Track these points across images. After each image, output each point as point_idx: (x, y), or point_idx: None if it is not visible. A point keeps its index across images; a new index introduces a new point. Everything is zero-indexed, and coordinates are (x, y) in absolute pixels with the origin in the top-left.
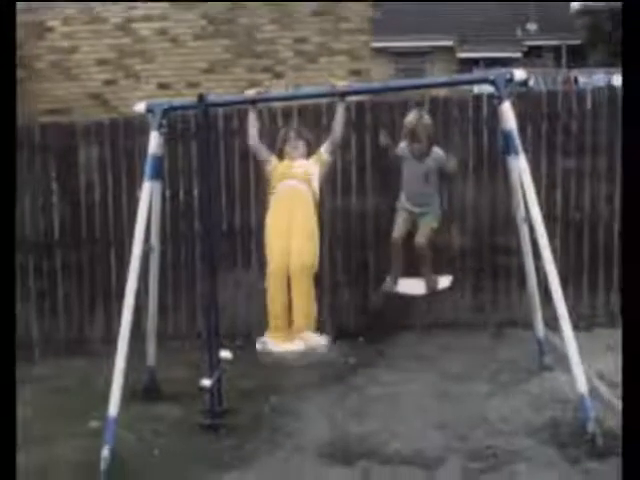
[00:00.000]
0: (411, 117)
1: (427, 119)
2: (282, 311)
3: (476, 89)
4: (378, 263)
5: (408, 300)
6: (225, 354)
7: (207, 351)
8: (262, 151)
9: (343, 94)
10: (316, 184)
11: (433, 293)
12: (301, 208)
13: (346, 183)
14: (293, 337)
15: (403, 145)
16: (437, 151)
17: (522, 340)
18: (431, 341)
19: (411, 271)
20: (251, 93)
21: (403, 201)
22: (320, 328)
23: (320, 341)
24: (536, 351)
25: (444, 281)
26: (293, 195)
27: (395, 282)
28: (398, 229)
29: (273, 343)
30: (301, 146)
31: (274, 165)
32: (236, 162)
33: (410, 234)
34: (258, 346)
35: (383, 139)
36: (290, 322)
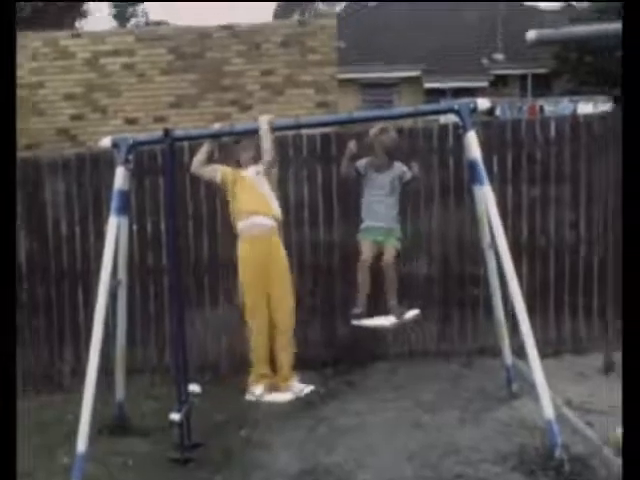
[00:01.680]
0: (374, 130)
1: (391, 133)
2: (266, 360)
3: (442, 119)
4: (346, 293)
5: (376, 331)
6: (194, 388)
7: (176, 385)
8: (206, 170)
9: (306, 127)
10: (275, 203)
11: (400, 324)
12: (273, 249)
13: (313, 214)
14: (279, 385)
15: (363, 161)
16: (398, 165)
17: (491, 368)
18: (400, 371)
19: (378, 296)
20: (216, 127)
21: (366, 222)
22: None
23: (305, 389)
24: (504, 379)
25: (411, 314)
26: (262, 237)
27: (362, 310)
28: (365, 251)
29: (263, 393)
30: (249, 153)
31: (223, 172)
32: (202, 196)
33: (377, 258)
34: (248, 397)
35: (352, 146)
36: (273, 369)
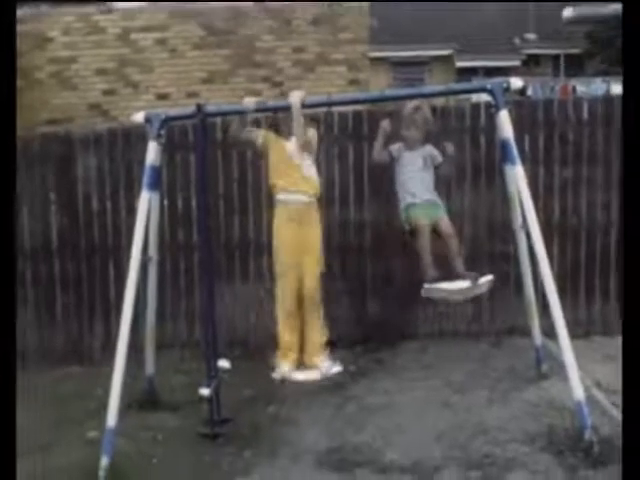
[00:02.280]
0: (409, 107)
1: (426, 111)
2: (293, 332)
3: (474, 98)
4: (375, 272)
5: (407, 309)
6: (223, 363)
7: (206, 360)
8: (245, 132)
9: (338, 104)
10: (317, 182)
11: (476, 290)
12: (309, 226)
13: (344, 193)
14: (306, 362)
15: (396, 145)
16: (430, 147)
17: (520, 348)
18: (430, 350)
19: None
20: (246, 102)
21: (407, 200)
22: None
23: (333, 368)
24: (534, 359)
25: (484, 279)
26: (301, 214)
27: (435, 274)
28: (421, 219)
29: (291, 371)
30: (289, 125)
31: (265, 136)
32: (234, 172)
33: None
34: (275, 375)
35: (386, 126)
36: (302, 345)
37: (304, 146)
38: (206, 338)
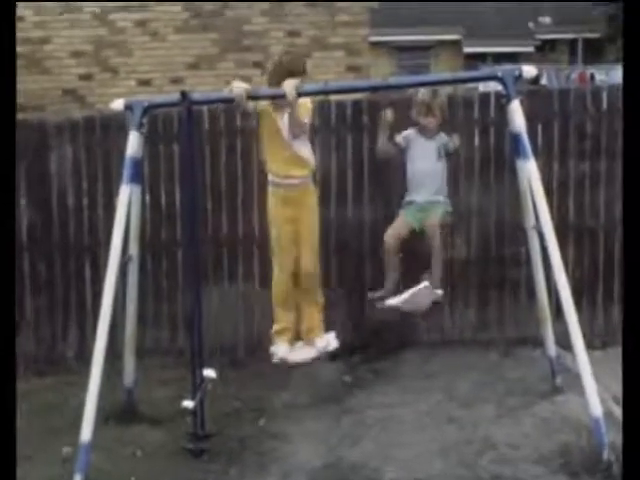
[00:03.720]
0: (425, 91)
1: (442, 96)
2: (288, 307)
3: (481, 87)
4: (375, 275)
5: (409, 314)
6: (209, 372)
7: (190, 369)
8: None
9: (336, 92)
10: (312, 159)
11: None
12: (304, 207)
13: (341, 189)
14: (303, 339)
15: (407, 131)
16: (442, 134)
17: (532, 359)
18: (433, 360)
19: (410, 282)
20: (240, 86)
21: (410, 196)
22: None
23: (330, 344)
24: (547, 371)
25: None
26: (295, 195)
27: (382, 294)
28: (397, 227)
29: (287, 351)
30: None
31: (260, 105)
32: (222, 165)
33: (412, 236)
34: (273, 359)
35: (389, 116)
36: (298, 322)
37: (299, 128)
38: (191, 345)
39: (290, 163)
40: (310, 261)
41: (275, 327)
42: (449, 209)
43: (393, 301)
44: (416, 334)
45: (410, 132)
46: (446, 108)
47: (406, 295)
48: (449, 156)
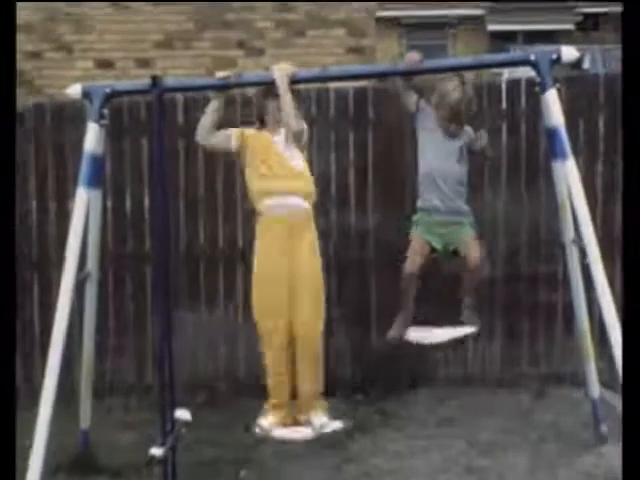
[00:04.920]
0: (451, 88)
1: (470, 92)
2: (284, 385)
3: (506, 73)
4: (382, 297)
5: (422, 345)
6: (183, 414)
7: (159, 410)
8: (216, 138)
9: (336, 79)
10: (311, 180)
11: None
12: (302, 239)
13: (342, 194)
14: (296, 416)
15: (429, 111)
16: (469, 130)
17: (571, 402)
18: (451, 400)
19: (432, 316)
20: (222, 75)
21: (424, 203)
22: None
23: (328, 426)
24: (589, 416)
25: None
26: (290, 223)
27: (395, 335)
28: (414, 253)
29: (274, 426)
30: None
31: (239, 136)
32: (200, 164)
33: (433, 261)
34: (257, 430)
35: (417, 57)
36: (293, 395)
37: (296, 136)
38: (160, 381)
39: (291, 180)
40: (311, 319)
41: (266, 405)
42: (474, 224)
43: (417, 334)
44: (431, 369)
45: (432, 114)
46: (474, 107)
47: (443, 334)
48: (473, 156)
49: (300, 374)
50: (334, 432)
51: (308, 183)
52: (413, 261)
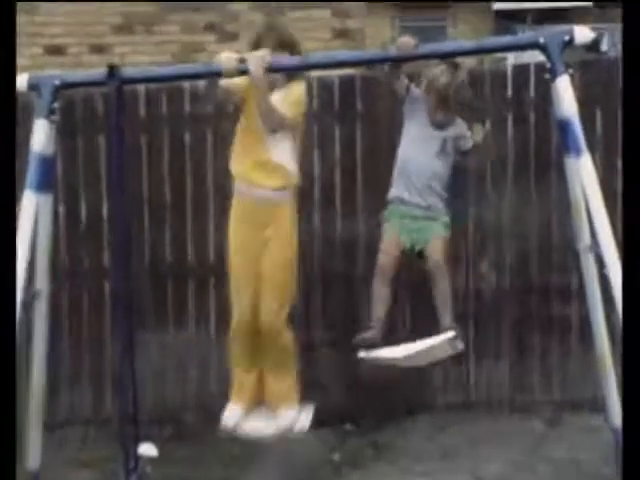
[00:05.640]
0: (439, 72)
1: (461, 77)
2: (249, 361)
3: (511, 57)
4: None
5: (420, 368)
6: (147, 449)
7: (121, 445)
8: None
9: (319, 67)
10: (294, 170)
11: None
12: (277, 242)
13: (327, 195)
14: (266, 410)
15: (419, 95)
16: (460, 123)
17: (589, 430)
18: (453, 429)
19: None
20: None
21: (396, 192)
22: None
23: (300, 418)
24: (611, 448)
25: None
26: (264, 212)
27: (373, 335)
28: (387, 247)
29: (239, 420)
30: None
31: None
32: (166, 164)
33: (406, 257)
34: (223, 423)
35: (409, 42)
36: (261, 390)
37: (277, 127)
38: (122, 411)
39: (262, 169)
40: (271, 306)
41: (232, 390)
42: (448, 225)
43: (387, 353)
44: (429, 395)
45: (421, 97)
46: (469, 96)
47: (417, 347)
48: (464, 155)
49: (267, 370)
50: (320, 466)
51: (282, 173)
52: (385, 260)
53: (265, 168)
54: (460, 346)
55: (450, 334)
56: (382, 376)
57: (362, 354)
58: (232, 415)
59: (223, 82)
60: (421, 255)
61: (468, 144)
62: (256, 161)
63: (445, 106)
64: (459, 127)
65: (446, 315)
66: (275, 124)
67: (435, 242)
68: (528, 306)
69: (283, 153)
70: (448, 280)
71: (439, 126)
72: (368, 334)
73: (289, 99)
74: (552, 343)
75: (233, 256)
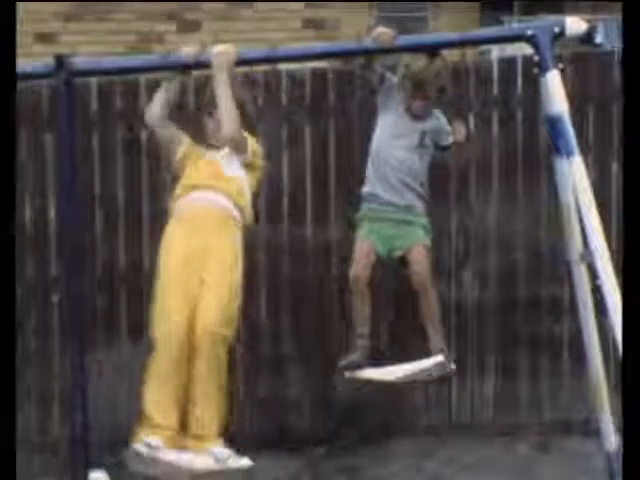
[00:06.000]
0: (416, 58)
1: (440, 65)
2: (175, 401)
3: (495, 49)
4: (349, 330)
5: (399, 386)
6: (99, 476)
7: (70, 471)
8: (168, 131)
9: (289, 60)
10: (247, 196)
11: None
12: (216, 240)
13: (297, 201)
14: (190, 445)
15: (393, 84)
16: (439, 116)
17: (581, 454)
18: (437, 453)
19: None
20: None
21: (370, 190)
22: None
23: (234, 459)
24: (604, 472)
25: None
26: (205, 220)
27: (358, 356)
28: (359, 256)
29: (161, 447)
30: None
31: (187, 148)
32: (120, 165)
33: (383, 264)
34: (139, 450)
35: (387, 30)
36: (185, 419)
37: (235, 146)
38: (71, 436)
39: (215, 177)
40: (212, 316)
41: (142, 421)
42: (430, 230)
43: (375, 374)
44: (409, 416)
45: (394, 87)
46: (447, 82)
47: (407, 369)
48: (443, 150)
49: (196, 393)
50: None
51: (235, 185)
52: (358, 265)
53: (216, 175)
54: (451, 368)
55: (441, 357)
56: (357, 395)
57: (348, 374)
58: (148, 443)
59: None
60: (402, 261)
61: (448, 139)
62: (209, 172)
63: (422, 94)
64: (438, 120)
65: (436, 334)
66: (234, 132)
67: (417, 251)
68: (514, 320)
69: (237, 175)
70: (435, 295)
71: (416, 117)
72: (354, 357)
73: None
74: (541, 360)
75: (168, 266)
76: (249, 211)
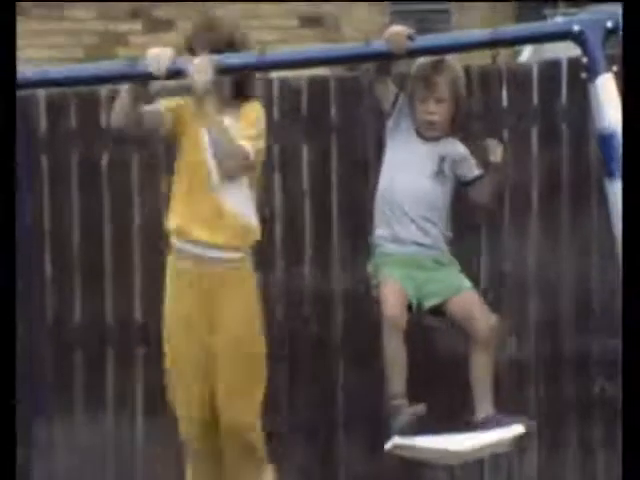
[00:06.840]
0: (423, 60)
1: (455, 66)
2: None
3: (527, 51)
4: (357, 396)
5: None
6: None
7: None
8: (143, 116)
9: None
10: (248, 203)
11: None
12: (234, 318)
13: (291, 237)
14: None
15: (408, 110)
16: (454, 142)
17: None
18: None
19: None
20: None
21: (385, 232)
22: None
23: None
24: None
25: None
26: (214, 281)
27: (406, 416)
28: (389, 297)
29: None
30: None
31: (174, 110)
32: (74, 187)
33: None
34: None
35: (402, 29)
36: None
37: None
38: None
39: (212, 222)
40: (238, 405)
41: None
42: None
43: (428, 442)
44: None
45: (409, 113)
46: (463, 88)
47: (479, 440)
48: (467, 185)
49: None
50: None
51: (238, 226)
52: (393, 310)
53: (214, 221)
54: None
55: (520, 428)
56: (368, 468)
57: (395, 442)
58: None
59: (147, 108)
60: (438, 312)
61: (473, 172)
62: (201, 212)
63: (433, 91)
64: (455, 146)
65: (485, 398)
66: (236, 161)
67: (467, 297)
68: (559, 382)
69: (238, 201)
70: (489, 353)
71: (429, 138)
72: (405, 416)
73: (246, 130)
74: (593, 431)
75: (172, 334)
76: (256, 230)
